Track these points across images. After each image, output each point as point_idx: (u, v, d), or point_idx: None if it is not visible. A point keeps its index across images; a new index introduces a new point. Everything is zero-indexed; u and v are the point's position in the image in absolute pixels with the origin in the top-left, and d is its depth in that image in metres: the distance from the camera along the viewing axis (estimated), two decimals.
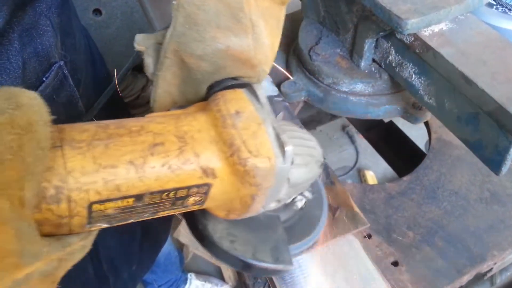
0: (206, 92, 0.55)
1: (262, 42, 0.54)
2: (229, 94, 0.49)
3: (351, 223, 0.72)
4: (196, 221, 0.55)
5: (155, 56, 0.54)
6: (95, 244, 0.96)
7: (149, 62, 0.55)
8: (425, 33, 0.76)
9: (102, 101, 0.76)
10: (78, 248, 0.42)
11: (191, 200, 0.46)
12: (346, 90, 0.92)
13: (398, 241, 0.80)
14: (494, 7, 1.12)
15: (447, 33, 0.76)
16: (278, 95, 0.91)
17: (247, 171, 0.45)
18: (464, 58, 0.71)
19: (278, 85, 0.97)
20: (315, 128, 2.44)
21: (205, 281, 2.11)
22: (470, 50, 0.73)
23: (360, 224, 0.72)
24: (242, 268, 0.53)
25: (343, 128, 2.67)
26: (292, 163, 0.47)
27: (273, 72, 1.04)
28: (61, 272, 0.41)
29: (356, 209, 0.74)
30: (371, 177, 2.45)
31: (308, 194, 0.60)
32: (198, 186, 0.45)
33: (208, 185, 0.46)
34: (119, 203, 0.42)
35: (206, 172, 0.45)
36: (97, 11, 1.95)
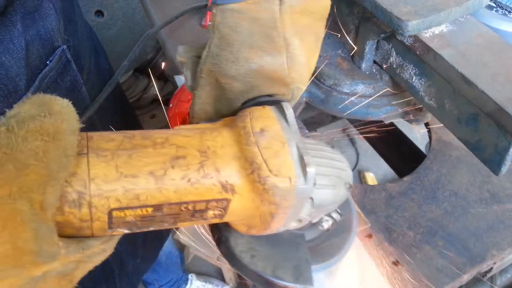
0: (240, 108, 0.55)
1: (297, 60, 0.54)
2: (257, 111, 0.49)
3: None
4: (219, 233, 0.55)
5: (193, 69, 0.55)
6: None
7: (187, 75, 0.56)
8: (426, 35, 0.77)
9: (106, 91, 0.77)
10: (98, 251, 0.43)
11: (211, 213, 0.47)
12: (347, 91, 0.93)
13: (399, 241, 0.81)
14: (494, 9, 1.13)
15: (447, 35, 0.77)
16: None
17: (266, 189, 0.45)
18: (464, 60, 0.72)
19: None
20: (315, 130, 2.45)
21: (205, 282, 2.12)
22: (470, 51, 0.74)
23: (361, 224, 0.73)
24: (261, 284, 0.53)
25: (343, 129, 2.68)
26: (314, 184, 0.47)
27: None
28: (80, 273, 0.43)
29: (357, 209, 0.74)
30: (371, 179, 2.45)
31: (336, 216, 0.60)
32: (217, 200, 0.46)
33: (227, 200, 0.46)
34: (139, 212, 0.43)
35: (226, 187, 0.45)
36: (99, 13, 1.96)
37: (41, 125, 0.37)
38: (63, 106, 0.39)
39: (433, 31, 0.77)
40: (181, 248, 2.14)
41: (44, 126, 0.37)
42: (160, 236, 1.26)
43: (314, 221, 0.59)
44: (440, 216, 0.85)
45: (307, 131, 0.87)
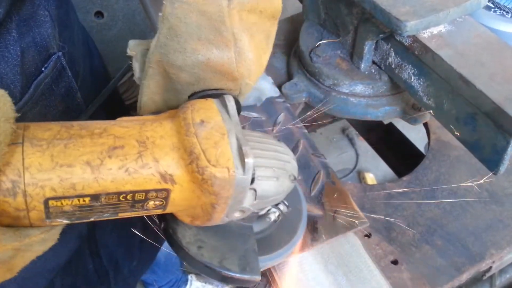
0: (187, 100, 0.56)
1: (246, 56, 0.55)
2: (199, 103, 0.50)
3: (351, 222, 0.73)
4: (167, 225, 0.56)
5: (142, 61, 0.56)
6: (95, 239, 0.97)
7: (135, 66, 0.57)
8: (424, 35, 0.77)
9: (101, 98, 0.77)
10: (38, 240, 0.43)
11: (151, 204, 0.47)
12: (346, 91, 0.93)
13: (398, 240, 0.81)
14: (492, 10, 1.14)
15: (445, 35, 0.77)
16: (279, 97, 0.93)
17: (205, 179, 0.46)
18: (462, 60, 0.73)
19: (279, 87, 0.98)
20: (315, 131, 2.45)
21: (205, 283, 2.12)
22: (468, 52, 0.74)
23: (360, 223, 0.73)
24: (209, 275, 0.54)
25: (343, 130, 2.68)
26: (254, 174, 0.48)
27: (274, 73, 1.05)
28: (20, 262, 0.43)
29: (356, 208, 0.75)
30: (371, 180, 2.46)
31: (283, 208, 0.61)
32: (156, 190, 0.46)
33: (167, 191, 0.47)
34: (76, 201, 0.43)
35: (165, 177, 0.46)
36: (99, 14, 1.96)
37: None
38: None
39: (431, 31, 0.78)
40: None
41: None
42: (157, 239, 1.27)
43: (261, 212, 0.60)
44: (439, 215, 0.85)
45: (305, 131, 0.87)
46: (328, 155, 2.65)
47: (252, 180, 0.49)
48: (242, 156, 0.46)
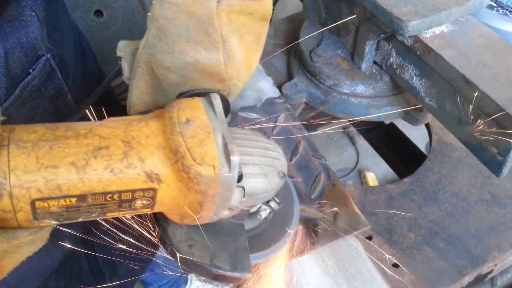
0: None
1: (234, 57, 0.55)
2: (185, 102, 0.50)
3: (352, 224, 0.72)
4: (158, 223, 0.56)
5: (131, 61, 0.56)
6: (90, 240, 0.96)
7: (125, 66, 0.57)
8: (426, 35, 0.76)
9: (93, 98, 0.77)
10: (27, 242, 0.44)
11: (139, 203, 0.47)
12: (347, 91, 0.92)
13: (399, 243, 0.80)
14: (495, 9, 1.13)
15: (448, 35, 0.76)
16: (279, 97, 0.92)
17: (191, 178, 0.46)
18: (465, 60, 0.72)
19: (279, 87, 0.97)
20: (315, 130, 2.45)
21: (205, 282, 2.11)
22: (471, 52, 0.73)
23: (361, 225, 0.73)
24: (200, 273, 0.54)
25: (344, 129, 2.67)
26: (240, 172, 0.49)
27: (274, 73, 1.04)
28: (8, 263, 0.43)
29: (357, 210, 0.74)
30: (371, 179, 2.45)
31: (274, 205, 0.61)
32: (143, 190, 0.46)
33: (154, 190, 0.47)
34: (62, 202, 0.44)
35: (151, 177, 0.46)
36: (98, 12, 1.95)
37: None
38: None
39: (433, 32, 0.77)
40: None
41: None
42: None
43: (252, 210, 0.59)
44: (440, 217, 0.84)
45: (306, 131, 0.86)
46: (328, 154, 2.65)
47: (240, 178, 0.49)
48: (227, 154, 0.46)
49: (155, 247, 1.29)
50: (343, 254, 0.71)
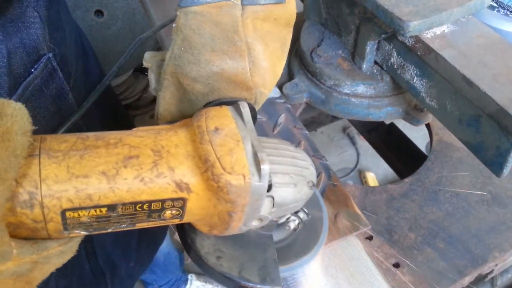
0: None
1: (260, 65, 0.55)
2: (213, 110, 0.50)
3: (353, 224, 0.72)
4: (185, 234, 0.55)
5: (157, 73, 0.56)
6: (91, 240, 0.96)
7: (151, 78, 0.57)
8: (427, 35, 0.76)
9: (93, 97, 0.77)
10: (56, 253, 0.43)
11: (168, 213, 0.47)
12: (348, 92, 0.92)
13: (400, 243, 0.80)
14: (496, 9, 1.13)
15: (449, 36, 0.76)
16: (279, 97, 0.92)
17: (221, 187, 0.45)
18: (465, 61, 0.72)
19: (280, 87, 0.97)
20: (316, 130, 2.45)
21: (205, 282, 2.11)
22: (471, 52, 0.73)
23: (362, 225, 0.73)
24: (228, 285, 0.53)
25: (344, 129, 2.68)
26: (270, 181, 0.48)
27: None
28: (39, 275, 0.43)
29: (358, 210, 0.74)
30: (372, 179, 2.45)
31: (303, 216, 0.60)
32: (172, 199, 0.46)
33: (183, 199, 0.46)
34: (93, 212, 0.43)
35: (180, 186, 0.46)
36: (99, 12, 1.95)
37: None
38: (16, 109, 0.40)
39: (434, 32, 0.77)
40: (181, 248, 2.14)
41: None
42: (154, 240, 1.26)
43: (280, 221, 0.59)
44: (441, 217, 0.84)
45: (307, 132, 0.86)
46: (328, 154, 2.65)
47: (269, 187, 0.48)
48: (257, 163, 0.46)
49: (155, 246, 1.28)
50: (343, 254, 0.71)
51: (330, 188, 0.77)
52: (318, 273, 0.68)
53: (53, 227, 0.42)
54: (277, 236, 0.60)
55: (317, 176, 0.78)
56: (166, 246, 1.85)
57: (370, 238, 0.80)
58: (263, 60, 0.55)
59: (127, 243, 1.06)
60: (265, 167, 0.45)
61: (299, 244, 0.61)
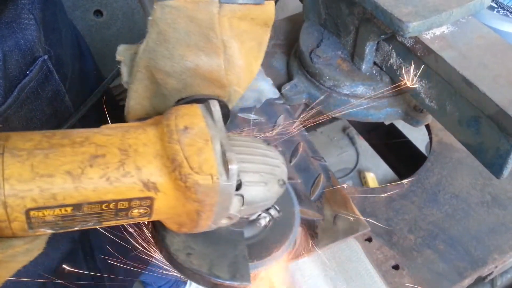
0: (174, 106, 0.56)
1: (235, 63, 0.55)
2: (184, 109, 0.50)
3: (352, 226, 0.72)
4: (156, 231, 0.55)
5: (130, 66, 0.56)
6: (89, 241, 0.95)
7: (124, 71, 0.56)
8: (427, 36, 0.76)
9: (92, 99, 0.76)
10: (22, 251, 0.43)
11: (135, 212, 0.47)
12: (347, 92, 0.92)
13: (399, 245, 0.80)
14: (496, 10, 1.12)
15: (448, 36, 0.76)
16: (278, 98, 0.91)
17: (189, 187, 0.45)
18: (465, 62, 0.71)
19: (279, 87, 0.96)
20: (315, 130, 2.44)
21: None
22: (471, 53, 0.73)
23: (361, 227, 0.72)
24: (199, 282, 0.53)
25: (344, 129, 2.67)
26: (239, 181, 0.48)
27: (273, 74, 1.04)
28: (3, 273, 0.43)
29: (357, 212, 0.73)
30: (371, 179, 2.44)
31: (274, 212, 0.60)
32: (140, 199, 0.46)
33: (151, 199, 0.46)
34: (57, 211, 0.43)
35: (148, 185, 0.45)
36: (98, 12, 1.94)
37: None
38: None
39: (434, 33, 0.76)
40: None
41: None
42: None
43: (251, 218, 0.59)
44: (441, 219, 0.84)
45: (306, 133, 0.86)
46: (328, 154, 2.64)
47: (239, 186, 0.49)
48: (226, 162, 0.46)
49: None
50: (342, 256, 0.71)
51: (329, 190, 0.77)
52: (318, 276, 0.68)
53: (17, 226, 0.42)
54: (248, 232, 0.60)
55: (316, 178, 0.78)
56: None
57: (369, 240, 0.80)
58: (238, 59, 0.55)
59: (126, 244, 1.05)
60: (233, 167, 0.45)
61: (270, 240, 0.61)
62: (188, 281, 2.15)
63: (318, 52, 0.94)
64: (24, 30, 0.65)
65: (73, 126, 0.75)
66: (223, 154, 0.46)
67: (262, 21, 0.57)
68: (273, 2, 0.56)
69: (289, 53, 1.07)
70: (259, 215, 0.60)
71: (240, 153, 0.50)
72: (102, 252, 0.95)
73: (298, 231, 0.64)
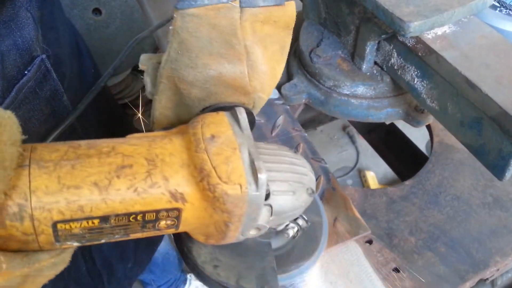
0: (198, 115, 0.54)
1: (258, 69, 0.54)
2: (209, 117, 0.48)
3: (352, 229, 0.71)
4: (182, 243, 0.54)
5: (153, 76, 0.54)
6: None
7: (147, 81, 0.55)
8: (428, 36, 0.75)
9: (87, 99, 0.75)
10: (48, 265, 0.42)
11: (163, 223, 0.46)
12: (348, 93, 0.91)
13: (400, 247, 0.79)
14: (498, 9, 1.11)
15: (450, 36, 0.75)
16: (278, 98, 0.90)
17: (217, 197, 0.44)
18: (467, 62, 0.70)
19: (279, 87, 0.96)
20: (315, 128, 2.43)
21: None
22: (473, 53, 0.72)
23: (361, 230, 0.71)
24: None
25: (344, 128, 2.67)
26: (268, 190, 0.46)
27: None
28: (30, 287, 0.41)
29: (357, 214, 0.73)
30: (371, 178, 2.44)
31: (302, 223, 0.58)
32: (167, 210, 0.45)
33: (178, 210, 0.45)
34: (85, 224, 0.42)
35: (175, 196, 0.44)
36: (96, 11, 1.94)
37: None
38: (4, 118, 0.39)
39: (435, 32, 0.75)
40: None
41: None
42: (152, 241, 1.25)
43: (279, 228, 0.57)
44: (442, 221, 0.83)
45: (305, 134, 0.85)
46: (328, 153, 2.64)
47: (267, 196, 0.47)
48: (254, 171, 0.44)
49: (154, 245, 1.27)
50: (342, 260, 0.70)
51: (329, 192, 0.76)
52: (317, 280, 0.67)
53: (44, 239, 0.41)
54: (276, 243, 0.59)
55: (316, 180, 0.77)
56: (165, 246, 1.84)
57: (370, 242, 0.79)
58: (262, 64, 0.54)
59: (124, 244, 1.05)
60: (262, 176, 0.44)
61: (298, 251, 0.60)
62: (188, 281, 2.14)
63: (318, 51, 0.93)
64: (22, 29, 0.64)
65: (71, 125, 0.74)
66: (252, 162, 0.45)
67: (284, 24, 0.55)
68: (293, 2, 0.54)
69: (289, 53, 1.06)
70: (287, 225, 0.58)
71: (268, 162, 0.49)
72: (102, 252, 0.95)
73: (326, 243, 0.62)
